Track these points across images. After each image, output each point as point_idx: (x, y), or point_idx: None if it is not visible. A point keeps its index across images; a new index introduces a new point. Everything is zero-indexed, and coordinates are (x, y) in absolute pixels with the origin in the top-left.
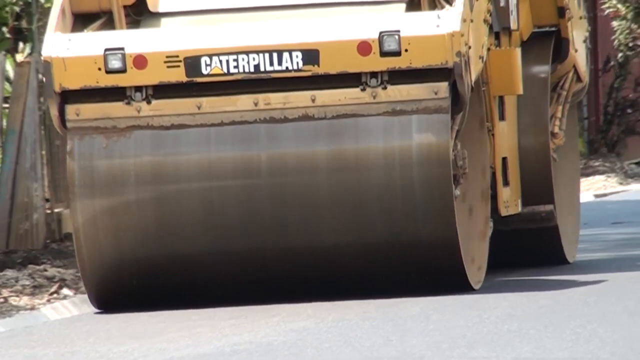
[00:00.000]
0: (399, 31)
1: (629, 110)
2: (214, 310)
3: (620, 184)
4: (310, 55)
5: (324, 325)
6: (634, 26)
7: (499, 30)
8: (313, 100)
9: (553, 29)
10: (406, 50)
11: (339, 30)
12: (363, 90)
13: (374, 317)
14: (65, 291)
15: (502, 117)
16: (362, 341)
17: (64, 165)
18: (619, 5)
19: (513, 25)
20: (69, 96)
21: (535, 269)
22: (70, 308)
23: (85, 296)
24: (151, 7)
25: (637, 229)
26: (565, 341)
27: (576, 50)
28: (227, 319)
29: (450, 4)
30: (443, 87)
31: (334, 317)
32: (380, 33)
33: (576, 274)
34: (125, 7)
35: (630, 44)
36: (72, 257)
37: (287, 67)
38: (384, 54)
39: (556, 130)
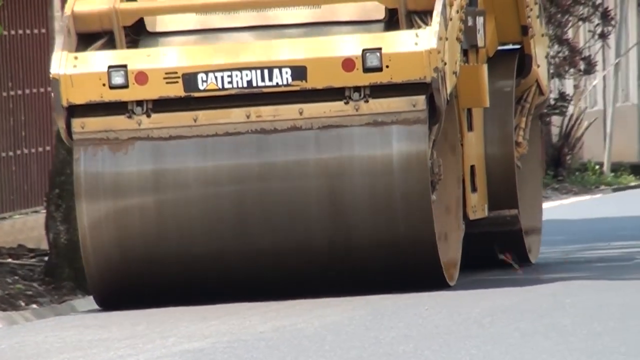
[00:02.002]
0: (380, 48)
1: None
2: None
3: None
4: (299, 72)
5: (220, 346)
6: None
7: (467, 47)
8: (301, 113)
9: (517, 46)
10: (387, 66)
11: (324, 48)
12: (347, 103)
13: (270, 337)
14: None
15: (470, 128)
16: None
17: None
18: None
19: (480, 42)
20: (75, 110)
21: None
22: None
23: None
24: (149, 27)
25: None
26: None
27: (538, 66)
28: (122, 339)
29: (427, 24)
30: (421, 100)
31: (230, 337)
32: (363, 50)
33: (475, 290)
34: (125, 27)
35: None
36: None
37: (277, 83)
38: (366, 69)
39: (520, 139)
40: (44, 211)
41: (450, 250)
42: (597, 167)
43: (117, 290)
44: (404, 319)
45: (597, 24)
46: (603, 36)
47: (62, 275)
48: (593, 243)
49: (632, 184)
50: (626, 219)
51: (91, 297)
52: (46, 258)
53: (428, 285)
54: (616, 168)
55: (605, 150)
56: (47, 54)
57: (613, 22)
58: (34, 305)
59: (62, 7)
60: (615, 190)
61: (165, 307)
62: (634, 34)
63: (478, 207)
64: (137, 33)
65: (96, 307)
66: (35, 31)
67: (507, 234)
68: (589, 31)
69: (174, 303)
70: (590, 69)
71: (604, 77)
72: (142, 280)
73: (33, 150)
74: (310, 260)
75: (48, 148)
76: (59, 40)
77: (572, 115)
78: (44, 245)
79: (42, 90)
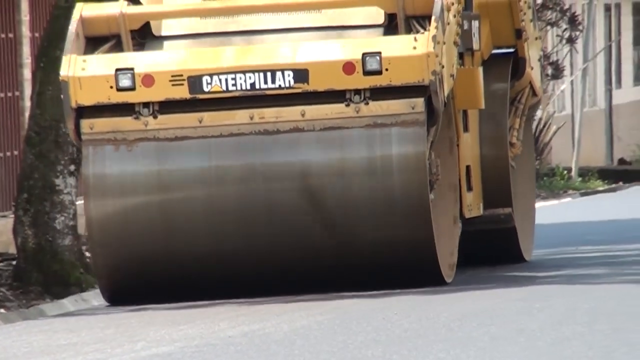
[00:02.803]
0: (380, 52)
1: None
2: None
3: None
4: (301, 75)
5: (188, 350)
6: None
7: (462, 51)
8: (303, 115)
9: (511, 49)
10: (386, 70)
11: (326, 51)
12: (347, 105)
13: (239, 342)
14: None
15: (465, 129)
16: None
17: None
18: None
19: (475, 46)
20: (83, 111)
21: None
22: None
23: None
24: (155, 31)
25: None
26: None
27: (532, 68)
28: (91, 343)
29: (425, 28)
30: (419, 102)
31: (199, 342)
32: (363, 54)
33: (445, 295)
34: (131, 31)
35: None
36: None
37: (279, 85)
38: (366, 72)
39: (514, 140)
40: (12, 216)
41: (448, 248)
42: (565, 172)
43: (124, 286)
44: (372, 323)
45: (565, 29)
46: (571, 41)
47: (30, 279)
48: (561, 248)
49: (600, 188)
50: (594, 223)
51: (59, 302)
52: (14, 262)
53: (426, 283)
54: (584, 173)
55: (574, 155)
56: (15, 59)
57: (581, 27)
58: (2, 310)
59: (31, 11)
60: (583, 195)
61: (136, 311)
62: (602, 39)
63: (474, 205)
64: (143, 37)
65: (66, 310)
66: (3, 35)
67: (502, 232)
68: (557, 36)
69: (176, 300)
70: (558, 73)
71: (572, 82)
72: (148, 277)
73: (1, 155)
74: (311, 258)
75: (16, 152)
76: (68, 44)
77: (540, 120)
78: (12, 250)
79: (9, 94)
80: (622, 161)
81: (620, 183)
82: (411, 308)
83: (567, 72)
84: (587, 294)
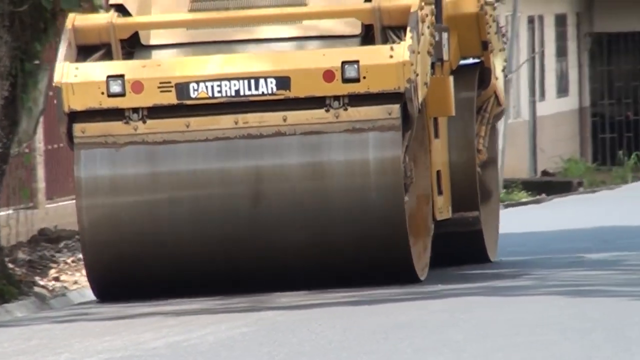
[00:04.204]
0: (358, 61)
1: None
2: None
3: None
4: (283, 82)
5: None
6: None
7: (434, 61)
8: (285, 120)
9: (477, 60)
10: (364, 77)
11: (307, 60)
12: (327, 111)
13: (164, 354)
14: None
15: (436, 136)
16: None
17: None
18: None
19: (445, 56)
20: (76, 116)
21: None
22: None
23: None
24: (143, 40)
25: None
26: None
27: (497, 78)
28: (13, 355)
29: (400, 39)
30: (395, 108)
31: (123, 353)
32: (343, 62)
33: (369, 306)
34: (121, 40)
35: None
36: None
37: (262, 92)
38: (345, 80)
39: (480, 147)
40: None
41: (421, 247)
42: None
43: (114, 283)
44: (297, 335)
45: None
46: None
47: None
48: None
49: (524, 200)
50: (517, 235)
51: None
52: None
53: (400, 280)
54: (508, 184)
55: (498, 167)
56: None
57: (504, 39)
58: None
59: None
60: (507, 206)
61: (60, 322)
62: (525, 51)
63: (444, 208)
64: (132, 46)
65: None
66: None
67: (470, 234)
68: None
69: (163, 297)
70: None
71: None
72: (137, 275)
73: None
74: (292, 256)
75: None
76: (61, 52)
77: None
78: None
79: None
80: (545, 173)
81: (544, 195)
82: (336, 319)
83: None
84: (510, 306)
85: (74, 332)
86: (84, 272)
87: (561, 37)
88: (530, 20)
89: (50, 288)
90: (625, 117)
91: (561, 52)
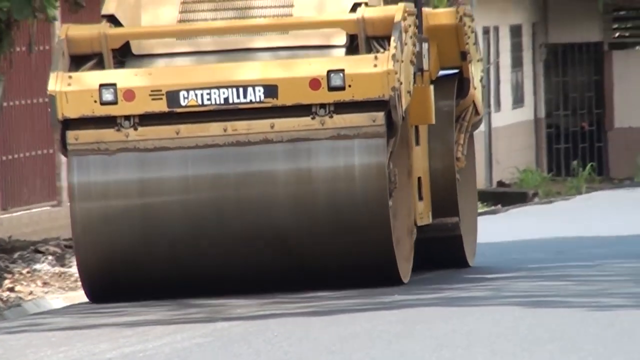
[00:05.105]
0: (343, 70)
1: None
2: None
3: None
4: (270, 90)
5: None
6: None
7: (415, 71)
8: (272, 127)
9: (456, 70)
10: (349, 86)
11: (293, 69)
12: (313, 118)
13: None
14: None
15: (417, 143)
16: None
17: None
18: None
19: (425, 66)
20: (69, 124)
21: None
22: None
23: None
24: (134, 50)
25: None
26: None
27: (475, 88)
28: None
29: (384, 48)
30: (380, 116)
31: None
32: (328, 71)
33: (325, 316)
34: (113, 50)
35: None
36: None
37: (251, 100)
38: (331, 88)
39: (459, 155)
40: None
41: (405, 251)
42: None
43: (106, 287)
44: (253, 346)
45: None
46: None
47: None
48: (440, 270)
49: (480, 210)
50: None
51: None
52: None
53: (384, 283)
54: None
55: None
56: None
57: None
58: None
59: None
60: None
61: (16, 334)
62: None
63: (424, 214)
64: (124, 55)
65: None
66: None
67: (449, 239)
68: None
69: (155, 298)
70: None
71: None
72: (128, 278)
73: None
74: (279, 258)
75: None
76: (55, 62)
77: None
78: None
79: None
80: (501, 184)
81: (499, 205)
82: (291, 330)
83: None
84: (467, 316)
85: (29, 342)
86: (39, 282)
87: (516, 48)
88: (486, 31)
89: (5, 299)
90: (581, 128)
91: (516, 63)
